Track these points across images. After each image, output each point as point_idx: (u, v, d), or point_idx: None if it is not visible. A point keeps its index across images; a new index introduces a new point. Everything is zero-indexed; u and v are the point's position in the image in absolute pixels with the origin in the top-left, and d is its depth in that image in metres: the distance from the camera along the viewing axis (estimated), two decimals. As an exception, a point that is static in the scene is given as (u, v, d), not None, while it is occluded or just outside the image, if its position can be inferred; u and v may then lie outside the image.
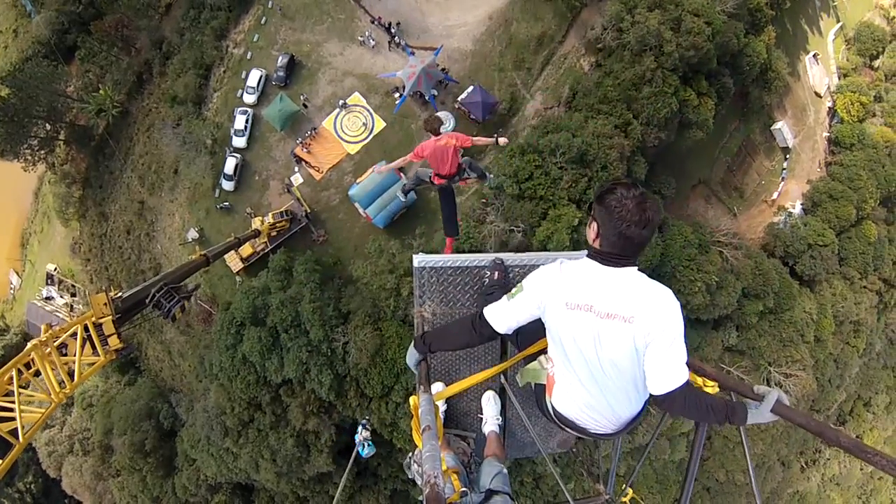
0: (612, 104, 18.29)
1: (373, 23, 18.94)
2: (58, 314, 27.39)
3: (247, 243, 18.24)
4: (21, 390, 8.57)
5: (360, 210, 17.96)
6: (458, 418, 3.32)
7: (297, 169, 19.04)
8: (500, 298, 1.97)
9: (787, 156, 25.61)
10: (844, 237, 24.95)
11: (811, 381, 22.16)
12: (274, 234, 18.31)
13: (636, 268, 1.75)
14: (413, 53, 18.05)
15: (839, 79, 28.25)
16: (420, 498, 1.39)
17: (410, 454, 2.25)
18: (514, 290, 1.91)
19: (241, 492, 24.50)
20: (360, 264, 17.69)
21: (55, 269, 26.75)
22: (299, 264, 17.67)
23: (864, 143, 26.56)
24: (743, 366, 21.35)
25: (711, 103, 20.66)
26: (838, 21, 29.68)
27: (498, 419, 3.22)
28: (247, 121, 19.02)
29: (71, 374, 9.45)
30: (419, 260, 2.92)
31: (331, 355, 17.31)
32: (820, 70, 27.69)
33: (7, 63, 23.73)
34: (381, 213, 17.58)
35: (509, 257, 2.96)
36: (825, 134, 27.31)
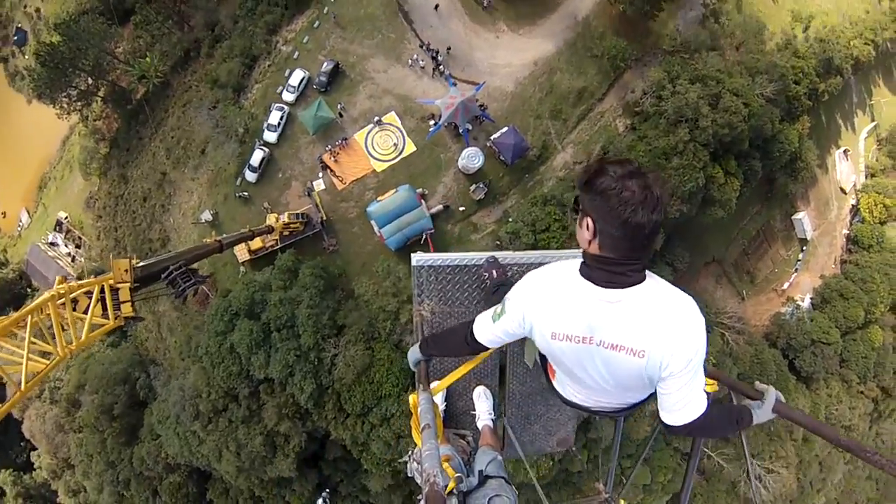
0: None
1: (421, 47, 19.34)
2: (58, 261, 27.51)
3: (258, 237, 18.33)
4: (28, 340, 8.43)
5: (376, 228, 18.03)
6: (458, 417, 3.29)
7: (320, 175, 19.23)
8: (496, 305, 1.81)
9: (804, 247, 25.55)
10: (849, 338, 24.68)
11: (792, 479, 21.66)
12: (286, 233, 18.39)
13: (646, 279, 1.38)
14: (455, 84, 18.36)
15: (866, 178, 28.39)
16: (419, 497, 1.34)
17: (409, 452, 2.23)
18: (498, 309, 1.71)
19: (197, 477, 24.08)
20: (364, 281, 17.68)
21: (66, 217, 26.99)
22: (305, 268, 17.70)
23: (883, 245, 26.51)
24: (725, 453, 20.91)
25: (737, 184, 20.78)
26: (873, 120, 29.99)
27: (490, 413, 3.20)
28: (282, 118, 19.30)
29: (79, 332, 9.38)
30: (417, 259, 2.89)
31: (317, 364, 17.19)
32: (848, 166, 27.84)
33: (64, 12, 24.42)
34: (395, 235, 17.64)
35: (505, 255, 2.93)
36: (845, 231, 27.28)
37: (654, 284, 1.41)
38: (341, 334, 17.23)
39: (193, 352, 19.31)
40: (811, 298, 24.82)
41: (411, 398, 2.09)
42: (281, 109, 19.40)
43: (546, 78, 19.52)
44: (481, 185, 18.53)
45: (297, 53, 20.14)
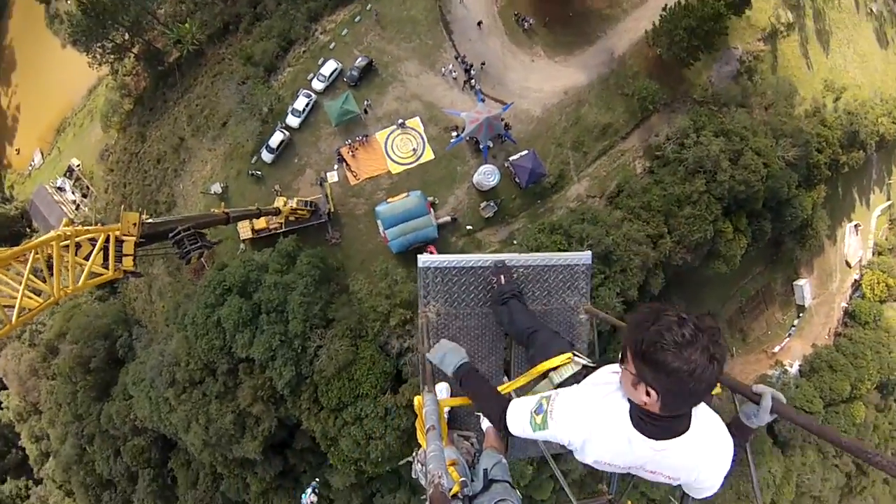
0: (651, 213, 18.47)
1: (456, 58, 19.50)
2: (62, 207, 27.54)
3: (264, 217, 18.36)
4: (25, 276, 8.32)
5: (381, 228, 18.05)
6: (462, 418, 3.30)
7: (336, 167, 19.29)
8: (526, 400, 1.83)
9: (801, 314, 25.51)
10: (832, 410, 24.55)
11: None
12: (292, 218, 18.42)
13: (691, 426, 1.45)
14: (483, 100, 18.47)
15: (873, 255, 28.40)
16: (423, 498, 1.34)
17: (414, 453, 2.23)
18: (538, 420, 1.74)
19: (161, 444, 23.90)
20: (360, 279, 17.65)
21: (78, 165, 27.07)
22: (304, 256, 17.69)
23: (879, 324, 26.46)
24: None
25: (745, 241, 20.78)
26: (888, 199, 30.07)
27: None
28: (307, 104, 19.42)
29: (76, 277, 9.35)
30: (423, 260, 2.89)
31: (301, 352, 17.11)
32: (857, 241, 27.87)
33: (113, -35, 24.61)
34: (399, 238, 17.65)
35: (512, 258, 2.94)
36: (843, 304, 27.25)
37: (697, 427, 1.49)
38: (329, 327, 17.17)
39: (180, 319, 19.24)
40: (800, 365, 24.74)
41: (416, 399, 2.11)
42: (308, 96, 19.53)
43: (574, 108, 19.64)
44: (492, 204, 18.57)
45: (333, 44, 20.31)
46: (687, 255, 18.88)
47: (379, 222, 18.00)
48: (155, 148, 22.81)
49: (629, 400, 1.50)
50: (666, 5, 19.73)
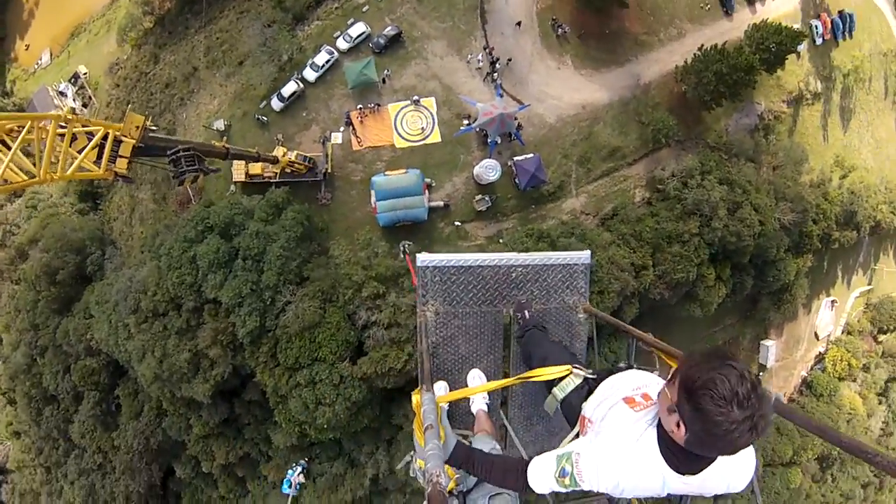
0: (641, 243, 18.65)
1: (485, 49, 19.35)
2: (60, 111, 26.83)
3: (260, 164, 18.09)
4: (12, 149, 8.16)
5: (372, 199, 17.95)
6: (460, 417, 3.29)
7: (342, 129, 19.08)
8: (545, 464, 1.78)
9: (761, 373, 26.09)
10: (769, 470, 25.23)
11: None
12: (288, 170, 18.20)
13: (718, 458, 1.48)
14: (502, 96, 18.39)
15: (842, 333, 29.13)
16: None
17: (411, 453, 2.21)
18: (567, 481, 1.71)
19: (112, 370, 23.64)
20: (342, 244, 17.56)
21: (85, 73, 26.34)
22: (292, 210, 17.52)
23: (833, 399, 27.20)
24: None
25: (724, 291, 21.14)
26: (869, 283, 30.80)
27: (485, 397, 3.18)
28: (328, 61, 19.13)
29: (66, 166, 9.18)
30: (422, 259, 2.89)
31: (268, 305, 17.00)
32: (830, 316, 28.55)
33: None
34: (388, 213, 17.57)
35: (511, 257, 2.94)
36: (804, 373, 27.96)
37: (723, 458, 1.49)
38: (302, 285, 17.08)
39: (156, 248, 18.95)
40: (750, 422, 25.28)
41: (414, 398, 2.07)
42: (331, 53, 19.22)
43: (588, 124, 19.67)
44: (487, 198, 18.57)
45: (366, 7, 19.98)
46: (666, 291, 19.15)
47: (372, 192, 17.88)
48: (166, 72, 22.26)
49: (658, 426, 1.52)
50: (702, 45, 19.81)
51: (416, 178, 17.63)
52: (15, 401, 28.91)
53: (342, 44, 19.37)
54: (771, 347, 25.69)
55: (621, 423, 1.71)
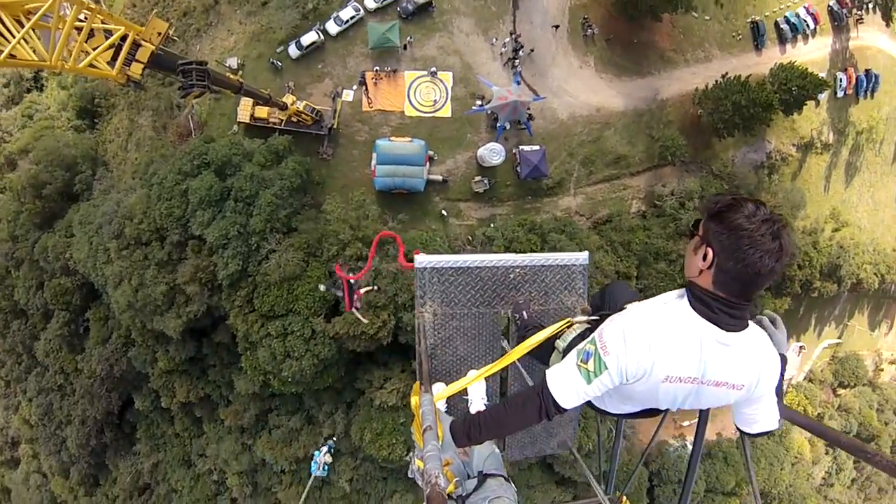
0: (629, 253, 18.91)
1: (511, 34, 19.18)
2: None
3: (267, 108, 17.82)
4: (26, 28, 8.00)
5: (373, 162, 17.86)
6: (459, 417, 3.26)
7: (354, 87, 18.84)
8: (562, 363, 1.61)
9: (721, 402, 26.77)
10: (709, 497, 26.10)
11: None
12: (294, 119, 17.97)
13: (749, 325, 1.44)
14: (519, 83, 18.32)
15: (804, 379, 29.97)
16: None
17: (410, 454, 2.21)
18: (591, 365, 1.51)
19: (85, 292, 23.41)
20: (336, 202, 17.49)
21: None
22: (292, 160, 17.36)
23: (782, 441, 28.11)
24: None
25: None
26: (840, 337, 31.66)
27: (484, 399, 3.17)
28: (352, 18, 18.80)
29: (78, 59, 9.05)
30: (421, 260, 2.87)
31: (252, 250, 16.93)
32: (796, 361, 29.36)
33: None
34: (386, 178, 17.52)
35: (510, 258, 2.93)
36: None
37: (753, 328, 1.48)
38: (289, 235, 17.01)
39: (148, 177, 18.65)
40: (701, 447, 26.07)
41: (413, 400, 2.04)
42: (357, 10, 18.88)
43: (599, 128, 19.72)
44: (486, 181, 18.60)
45: (401, -30, 19.57)
46: (643, 304, 19.47)
47: (374, 155, 17.78)
48: (186, 0, 21.66)
49: (687, 291, 1.45)
50: (726, 74, 19.89)
51: (419, 148, 17.56)
52: (-18, 310, 28.47)
53: (370, 3, 19.03)
54: (734, 379, 26.27)
55: (643, 304, 1.59)
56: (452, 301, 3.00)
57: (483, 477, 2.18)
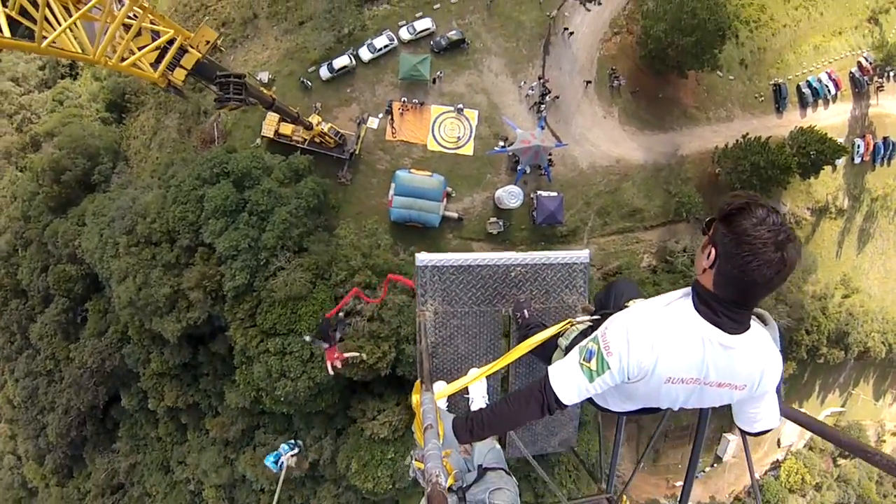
0: (635, 306, 18.67)
1: (539, 79, 19.50)
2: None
3: (292, 125, 18.10)
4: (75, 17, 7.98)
5: (391, 192, 17.97)
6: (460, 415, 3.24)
7: (380, 115, 19.13)
8: (565, 360, 1.62)
9: (715, 464, 26.11)
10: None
11: None
12: (318, 140, 18.20)
13: (751, 327, 1.43)
14: (543, 128, 18.50)
15: (804, 446, 29.15)
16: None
17: (412, 453, 2.19)
18: (593, 364, 1.51)
19: (88, 282, 23.42)
20: (349, 227, 17.54)
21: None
22: (311, 180, 17.50)
23: (777, 506, 27.14)
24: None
25: (702, 375, 21.11)
26: (843, 405, 30.90)
27: (485, 397, 3.15)
28: (386, 47, 19.23)
29: (122, 57, 9.02)
30: (421, 258, 2.85)
31: (261, 265, 16.90)
32: (797, 428, 28.53)
33: None
34: (402, 209, 17.60)
35: (511, 256, 2.89)
36: (757, 476, 27.87)
37: (755, 328, 1.47)
38: (299, 255, 17.00)
39: (167, 178, 18.85)
40: (692, 509, 25.29)
41: (414, 398, 2.04)
42: (391, 39, 19.31)
43: (617, 179, 19.79)
44: (501, 223, 18.64)
45: (438, 5, 20.09)
46: (647, 360, 19.13)
47: (392, 185, 17.89)
48: (226, 10, 22.27)
49: (692, 289, 1.45)
50: (746, 134, 20.03)
51: (438, 183, 17.67)
52: (-16, 284, 28.53)
53: (404, 34, 19.47)
54: (731, 442, 25.66)
55: (647, 302, 1.59)
56: (453, 299, 2.97)
57: (483, 470, 2.14)
